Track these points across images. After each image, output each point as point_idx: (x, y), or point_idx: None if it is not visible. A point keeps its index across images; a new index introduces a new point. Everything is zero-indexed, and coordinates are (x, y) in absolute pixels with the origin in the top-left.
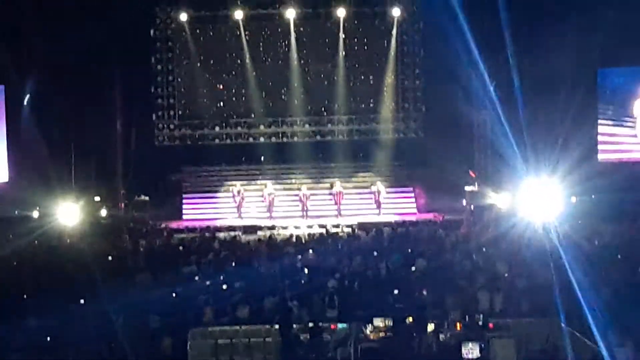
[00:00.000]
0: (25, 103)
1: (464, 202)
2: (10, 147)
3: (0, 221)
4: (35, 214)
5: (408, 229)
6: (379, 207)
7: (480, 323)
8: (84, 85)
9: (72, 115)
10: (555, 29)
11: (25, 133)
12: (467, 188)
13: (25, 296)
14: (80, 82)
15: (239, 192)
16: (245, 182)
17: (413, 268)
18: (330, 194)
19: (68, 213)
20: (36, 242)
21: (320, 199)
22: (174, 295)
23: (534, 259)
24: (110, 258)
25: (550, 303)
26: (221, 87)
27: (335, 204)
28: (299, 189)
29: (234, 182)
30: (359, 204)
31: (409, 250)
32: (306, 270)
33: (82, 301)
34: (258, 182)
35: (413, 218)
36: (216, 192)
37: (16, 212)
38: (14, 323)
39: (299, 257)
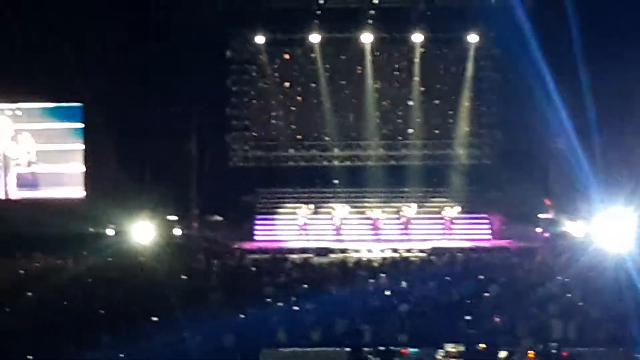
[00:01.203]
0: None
1: (539, 229)
2: (87, 164)
3: (75, 238)
4: (110, 232)
5: (481, 255)
6: (449, 232)
7: (554, 352)
8: (160, 105)
9: (147, 134)
10: (632, 54)
11: (101, 151)
12: (542, 215)
13: (99, 313)
14: (156, 102)
15: (300, 214)
16: (314, 205)
17: (486, 294)
18: (401, 217)
19: (142, 231)
20: (110, 259)
21: (392, 223)
22: (246, 315)
23: (609, 289)
24: (183, 277)
25: (625, 334)
26: (296, 109)
27: (406, 228)
28: (371, 212)
29: (299, 205)
30: (431, 229)
31: (482, 277)
32: (378, 294)
33: (155, 319)
34: (328, 205)
35: (487, 244)
36: (289, 214)
37: (91, 229)
38: (89, 340)
39: (371, 280)
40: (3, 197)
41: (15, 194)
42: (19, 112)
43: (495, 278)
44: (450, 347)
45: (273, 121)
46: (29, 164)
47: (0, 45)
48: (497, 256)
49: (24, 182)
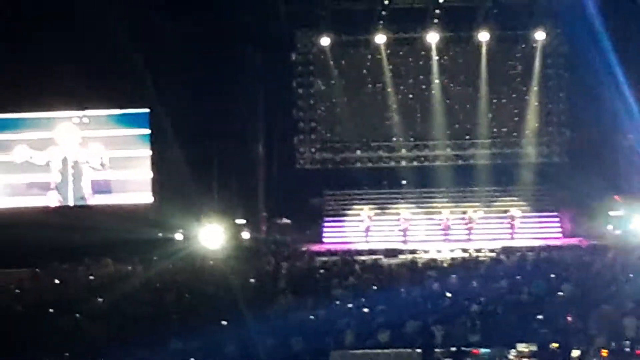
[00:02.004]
0: (169, 127)
1: (610, 227)
2: (155, 170)
3: (144, 243)
4: (179, 236)
5: (552, 254)
6: (519, 232)
7: (627, 350)
8: (226, 109)
9: (214, 138)
10: None
11: (169, 157)
12: (613, 213)
13: (168, 318)
14: (223, 106)
15: (368, 215)
16: (382, 206)
17: (558, 293)
18: (469, 217)
19: (211, 235)
20: (179, 264)
21: (461, 223)
22: (315, 317)
23: None
24: (252, 280)
25: None
26: (362, 110)
27: (474, 228)
28: (439, 213)
29: (367, 206)
30: (500, 228)
31: (554, 275)
32: (448, 294)
33: (224, 323)
34: (395, 206)
35: (557, 243)
36: (357, 215)
37: (159, 234)
38: (158, 345)
39: (441, 281)
40: (72, 203)
41: (84, 200)
42: (86, 120)
43: (566, 276)
44: (522, 347)
45: (340, 123)
46: (97, 170)
47: (66, 53)
48: (568, 255)
49: (92, 188)
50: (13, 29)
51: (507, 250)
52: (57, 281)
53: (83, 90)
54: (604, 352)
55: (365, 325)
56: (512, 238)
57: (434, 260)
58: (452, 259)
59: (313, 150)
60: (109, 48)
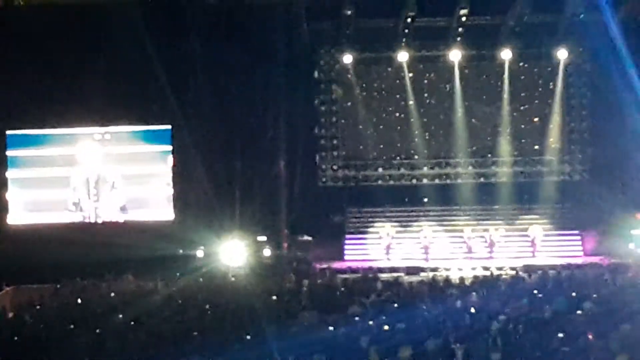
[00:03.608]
0: (190, 144)
1: (632, 245)
2: (176, 186)
3: (165, 260)
4: (200, 253)
5: (573, 272)
6: (540, 250)
7: None
8: (248, 125)
9: (236, 155)
10: None
11: (190, 173)
12: (635, 231)
13: (190, 335)
14: (244, 122)
15: (389, 233)
16: (404, 224)
17: (579, 311)
18: (491, 235)
19: (232, 252)
20: (200, 281)
21: (482, 241)
22: (336, 335)
23: None
24: (274, 298)
25: None
26: (384, 127)
27: (496, 246)
28: (461, 231)
29: (389, 224)
30: (522, 246)
31: (575, 294)
32: (470, 313)
33: (246, 340)
34: (416, 223)
35: (579, 261)
36: (378, 233)
37: (181, 250)
38: None
39: (462, 298)
40: (93, 220)
41: (106, 217)
42: (107, 136)
43: (588, 295)
44: None
45: (362, 140)
46: (119, 187)
47: (88, 70)
48: (589, 273)
49: (114, 205)
50: (37, 46)
51: (528, 269)
52: (78, 297)
53: (105, 107)
54: None
55: (386, 343)
56: (534, 256)
57: (455, 278)
58: (474, 276)
59: (335, 167)
60: (131, 65)
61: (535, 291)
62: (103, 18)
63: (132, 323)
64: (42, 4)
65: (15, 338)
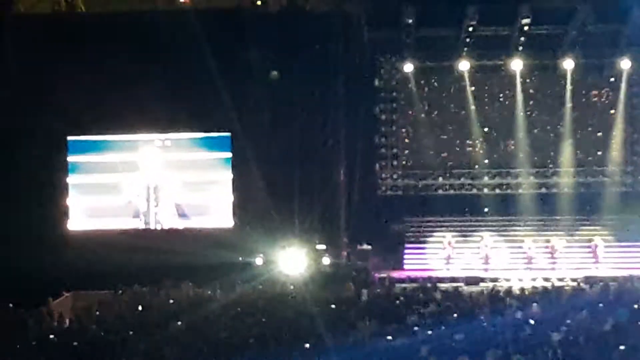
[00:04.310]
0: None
1: None
2: (236, 194)
3: (225, 267)
4: (259, 261)
5: (635, 284)
6: (601, 261)
7: None
8: (308, 134)
9: (296, 163)
10: None
11: (250, 180)
12: None
13: (248, 343)
14: (305, 130)
15: (449, 243)
16: (464, 234)
17: None
18: (552, 246)
19: (291, 260)
20: (259, 288)
21: (543, 252)
22: (395, 344)
23: None
24: (332, 306)
25: None
26: (445, 137)
27: (557, 257)
28: (521, 241)
29: (449, 233)
30: (583, 257)
31: (636, 306)
32: (530, 324)
33: (305, 348)
34: (476, 233)
35: None
36: (438, 242)
37: (240, 258)
38: None
39: (523, 309)
40: (153, 226)
41: (166, 224)
42: (168, 143)
43: None
44: None
45: (422, 149)
46: (179, 194)
47: (148, 77)
48: None
49: (173, 212)
50: (100, 52)
51: (589, 280)
52: (137, 304)
53: (166, 114)
54: None
55: (444, 353)
56: (595, 268)
57: (515, 289)
58: (534, 287)
59: (395, 176)
60: (192, 72)
61: (597, 303)
62: (165, 26)
63: (190, 330)
64: (105, 11)
65: (75, 344)
